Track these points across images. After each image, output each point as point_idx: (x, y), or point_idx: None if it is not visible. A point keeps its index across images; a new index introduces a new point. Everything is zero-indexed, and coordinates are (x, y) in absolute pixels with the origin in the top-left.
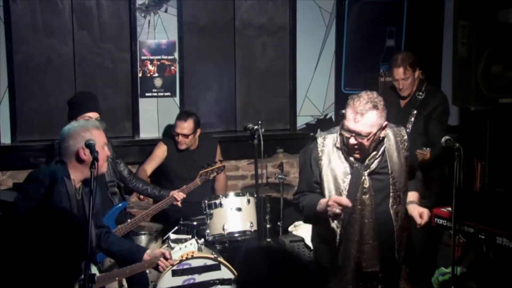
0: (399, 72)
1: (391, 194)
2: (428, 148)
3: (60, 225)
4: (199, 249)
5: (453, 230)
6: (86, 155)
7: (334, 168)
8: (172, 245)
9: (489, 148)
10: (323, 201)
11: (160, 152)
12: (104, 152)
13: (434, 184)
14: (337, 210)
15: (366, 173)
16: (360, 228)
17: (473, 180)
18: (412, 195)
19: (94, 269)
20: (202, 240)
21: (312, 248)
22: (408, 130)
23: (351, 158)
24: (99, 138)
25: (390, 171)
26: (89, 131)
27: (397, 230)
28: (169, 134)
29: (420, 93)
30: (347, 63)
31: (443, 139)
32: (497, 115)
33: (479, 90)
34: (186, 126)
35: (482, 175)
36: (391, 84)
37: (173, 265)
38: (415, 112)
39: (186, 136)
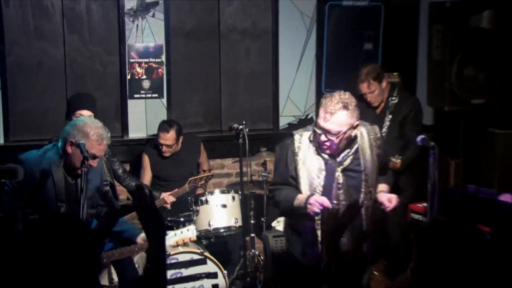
0: (363, 86)
1: (362, 190)
2: (399, 157)
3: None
4: (185, 245)
5: None
6: (70, 150)
7: (310, 164)
8: (167, 231)
9: (462, 147)
10: (300, 197)
11: (145, 163)
12: (89, 161)
13: (411, 181)
14: (317, 210)
15: (339, 169)
16: (337, 222)
17: (447, 177)
18: (382, 186)
19: None
20: None
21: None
22: (383, 134)
23: (325, 155)
24: (90, 147)
25: (363, 168)
26: (90, 137)
27: (367, 225)
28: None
29: (393, 97)
30: (327, 66)
31: (418, 138)
32: (470, 115)
33: (452, 92)
34: (169, 137)
35: (456, 172)
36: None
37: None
38: (390, 116)
39: (169, 146)
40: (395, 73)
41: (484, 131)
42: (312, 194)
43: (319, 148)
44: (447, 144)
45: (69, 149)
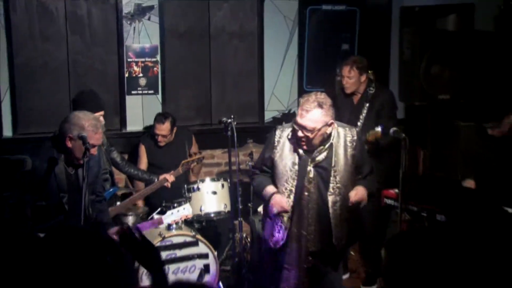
0: (345, 70)
1: (330, 184)
2: (379, 127)
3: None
4: (179, 228)
5: (399, 209)
6: (70, 144)
7: (285, 157)
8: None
9: (430, 138)
10: (268, 189)
11: (142, 152)
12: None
13: (384, 169)
14: (275, 211)
15: (311, 164)
16: (306, 212)
17: (416, 165)
18: (359, 187)
19: None
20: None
21: None
22: (361, 121)
23: (300, 150)
24: (89, 138)
25: (333, 165)
26: (87, 128)
27: (333, 218)
28: (147, 131)
29: (371, 88)
30: (308, 64)
31: (391, 130)
32: (437, 110)
33: (421, 88)
34: (165, 128)
35: (424, 161)
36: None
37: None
38: (367, 105)
39: (165, 136)
40: (370, 71)
41: (450, 124)
42: (277, 192)
43: (296, 143)
44: (416, 135)
45: (69, 144)
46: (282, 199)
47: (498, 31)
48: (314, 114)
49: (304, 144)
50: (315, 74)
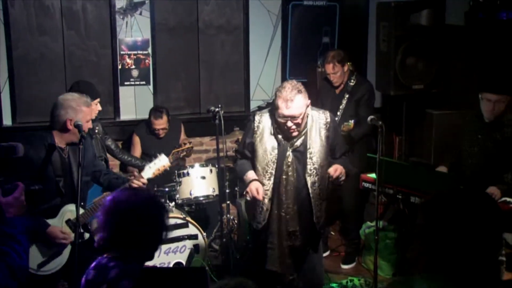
0: (329, 67)
1: (307, 166)
2: (351, 121)
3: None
4: (170, 210)
5: (376, 192)
6: (71, 126)
7: (265, 142)
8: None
9: (405, 125)
10: (248, 175)
11: (136, 142)
12: (86, 125)
13: (362, 154)
14: (248, 198)
15: (290, 149)
16: (284, 193)
17: (392, 151)
18: (336, 166)
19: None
20: (173, 203)
21: None
22: (341, 110)
23: (279, 136)
24: (85, 114)
25: (308, 147)
26: (79, 106)
27: (313, 198)
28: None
29: (352, 80)
30: (291, 56)
31: (368, 118)
32: (411, 99)
33: (397, 79)
34: (163, 122)
35: (399, 147)
36: (325, 76)
37: (145, 184)
38: (347, 96)
39: (164, 129)
40: (348, 63)
41: (423, 112)
42: (254, 180)
43: (284, 134)
44: (392, 123)
45: (70, 126)
46: (258, 187)
47: (467, 25)
48: (298, 101)
49: (294, 131)
50: (297, 66)
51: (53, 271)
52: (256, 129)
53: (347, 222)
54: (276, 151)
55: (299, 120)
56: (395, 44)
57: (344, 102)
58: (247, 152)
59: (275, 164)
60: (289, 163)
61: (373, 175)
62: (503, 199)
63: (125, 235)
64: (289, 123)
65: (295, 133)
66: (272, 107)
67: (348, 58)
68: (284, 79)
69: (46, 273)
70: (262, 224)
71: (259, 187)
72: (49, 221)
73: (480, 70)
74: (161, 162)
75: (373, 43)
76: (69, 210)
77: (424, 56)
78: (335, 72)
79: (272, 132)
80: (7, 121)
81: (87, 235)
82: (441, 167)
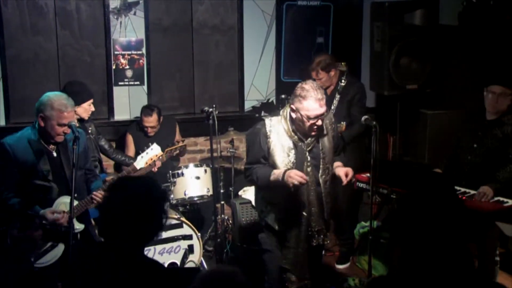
0: (313, 74)
1: (321, 166)
2: (343, 122)
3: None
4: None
5: (371, 192)
6: (43, 123)
7: (282, 143)
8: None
9: (399, 125)
10: (276, 172)
11: (129, 141)
12: (61, 129)
13: (356, 154)
14: (296, 182)
15: (307, 150)
16: (306, 194)
17: (386, 150)
18: (337, 163)
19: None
20: (168, 203)
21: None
22: (332, 111)
23: (295, 137)
24: (60, 116)
25: (321, 148)
26: (59, 107)
27: (324, 195)
28: (134, 122)
29: (342, 81)
30: (285, 57)
31: (362, 118)
32: (405, 99)
33: (391, 79)
34: (152, 120)
35: (393, 147)
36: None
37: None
38: (338, 96)
39: (154, 127)
40: (343, 63)
41: (417, 112)
42: (288, 169)
43: (306, 134)
44: (386, 123)
45: (42, 123)
46: (296, 172)
47: (461, 25)
48: (325, 97)
49: (317, 129)
50: (291, 66)
51: (49, 263)
52: (269, 133)
53: (341, 222)
54: (293, 151)
55: (324, 117)
56: (389, 44)
57: (335, 102)
58: (263, 160)
59: (294, 165)
60: (308, 164)
61: (367, 175)
62: (496, 198)
63: (115, 226)
64: (319, 122)
65: (316, 133)
66: (292, 109)
67: (341, 59)
68: (278, 79)
69: (42, 265)
70: (282, 224)
71: (297, 172)
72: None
73: (484, 65)
74: (153, 151)
75: (367, 43)
76: (63, 202)
77: (418, 56)
78: (320, 78)
79: (287, 134)
80: (1, 121)
81: (82, 226)
82: (436, 170)
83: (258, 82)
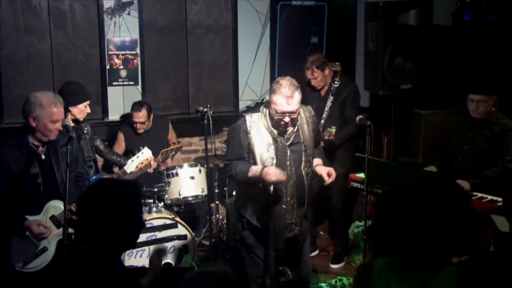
0: (308, 73)
1: (303, 159)
2: (334, 127)
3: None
4: (159, 211)
5: (365, 191)
6: (34, 123)
7: (262, 139)
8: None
9: (393, 125)
10: (254, 168)
11: (120, 139)
12: (51, 125)
13: (351, 154)
14: (274, 179)
15: (287, 144)
16: (286, 188)
17: (380, 150)
18: (317, 160)
19: None
20: (162, 203)
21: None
22: (326, 112)
23: (275, 132)
24: (50, 114)
25: (302, 141)
26: (49, 105)
27: (307, 187)
28: (126, 120)
29: (336, 82)
30: (280, 56)
31: (357, 118)
32: (399, 98)
33: (385, 78)
34: (142, 115)
35: (388, 147)
36: (308, 80)
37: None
38: (332, 98)
39: (143, 123)
40: (337, 63)
41: (411, 112)
42: (265, 166)
43: (279, 129)
44: (380, 122)
45: (33, 123)
46: (275, 169)
47: (454, 25)
48: (296, 97)
49: (290, 126)
50: (286, 66)
51: (38, 268)
52: (249, 129)
53: (336, 222)
54: (272, 147)
55: (295, 115)
56: (383, 44)
57: (329, 103)
58: (242, 155)
59: (274, 159)
60: (288, 158)
61: (361, 175)
62: (480, 195)
63: (95, 228)
64: (287, 119)
65: (290, 128)
66: (265, 105)
67: (335, 59)
68: (273, 79)
69: (32, 270)
70: (260, 219)
71: (275, 169)
72: (34, 217)
73: (466, 70)
74: (144, 155)
75: (361, 43)
76: (53, 206)
77: (412, 56)
78: (315, 77)
79: (267, 129)
80: None
81: (71, 231)
82: (431, 167)
83: (253, 82)
